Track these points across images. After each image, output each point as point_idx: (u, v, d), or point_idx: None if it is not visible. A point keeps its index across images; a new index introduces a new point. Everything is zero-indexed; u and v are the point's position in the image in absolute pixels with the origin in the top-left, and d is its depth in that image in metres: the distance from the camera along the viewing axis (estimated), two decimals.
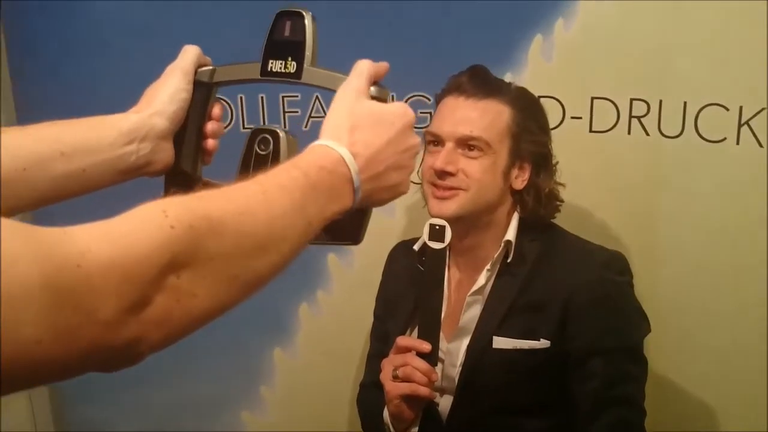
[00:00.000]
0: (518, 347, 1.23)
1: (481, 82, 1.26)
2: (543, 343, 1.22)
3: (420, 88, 1.61)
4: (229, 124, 1.65)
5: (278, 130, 0.77)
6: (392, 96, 0.75)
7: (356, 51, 1.59)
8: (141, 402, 1.84)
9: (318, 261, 1.77)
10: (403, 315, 1.34)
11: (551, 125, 1.58)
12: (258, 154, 0.77)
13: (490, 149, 1.23)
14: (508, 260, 1.26)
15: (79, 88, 1.64)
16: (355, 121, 0.67)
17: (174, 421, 1.85)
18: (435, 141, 1.27)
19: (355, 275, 1.77)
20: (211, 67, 0.82)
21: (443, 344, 1.29)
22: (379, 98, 0.72)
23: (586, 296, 1.22)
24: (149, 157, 0.77)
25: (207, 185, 0.83)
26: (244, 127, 1.67)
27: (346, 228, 0.73)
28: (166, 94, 0.78)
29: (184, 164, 0.83)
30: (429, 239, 1.18)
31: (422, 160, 1.29)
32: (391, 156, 0.68)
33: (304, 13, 0.76)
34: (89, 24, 1.62)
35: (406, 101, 1.63)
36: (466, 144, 1.24)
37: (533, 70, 1.60)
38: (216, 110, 0.83)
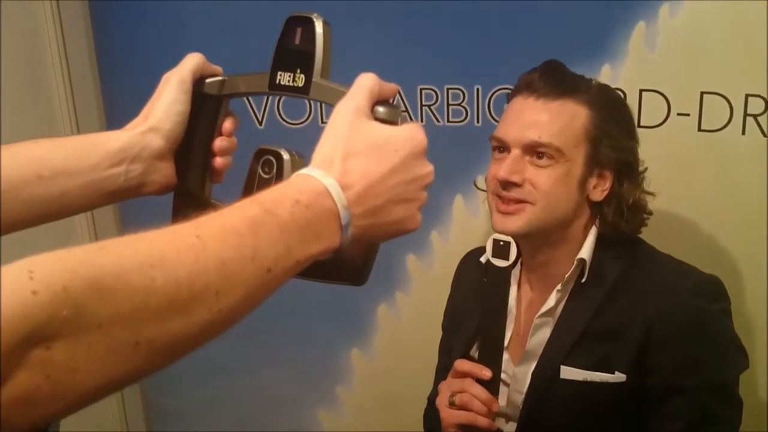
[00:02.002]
0: (589, 379, 1.09)
1: (554, 80, 1.13)
2: (618, 377, 1.08)
3: (506, 80, 1.48)
4: (307, 119, 1.60)
5: (282, 152, 0.69)
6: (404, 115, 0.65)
7: (436, 43, 1.49)
8: (220, 396, 1.84)
9: (397, 261, 1.69)
10: (467, 332, 1.23)
11: (654, 122, 1.43)
12: (261, 178, 0.70)
13: (562, 157, 1.10)
14: (583, 280, 1.13)
15: None
16: (350, 146, 0.57)
17: (251, 416, 1.85)
18: (500, 147, 1.15)
19: (435, 277, 1.67)
20: (220, 78, 0.75)
21: (510, 368, 1.18)
22: (386, 120, 0.62)
23: (671, 325, 1.07)
24: (141, 178, 0.71)
25: (214, 208, 0.77)
26: (322, 122, 1.61)
27: (345, 266, 0.65)
28: (161, 108, 0.72)
29: (190, 184, 0.77)
30: (492, 256, 1.07)
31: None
32: (394, 187, 0.58)
33: (314, 20, 0.68)
34: (178, 24, 1.61)
35: (491, 95, 1.51)
36: (534, 151, 1.10)
37: (635, 61, 1.43)
38: (227, 125, 0.76)
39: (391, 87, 0.64)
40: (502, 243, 1.06)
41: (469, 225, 1.62)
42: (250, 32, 1.56)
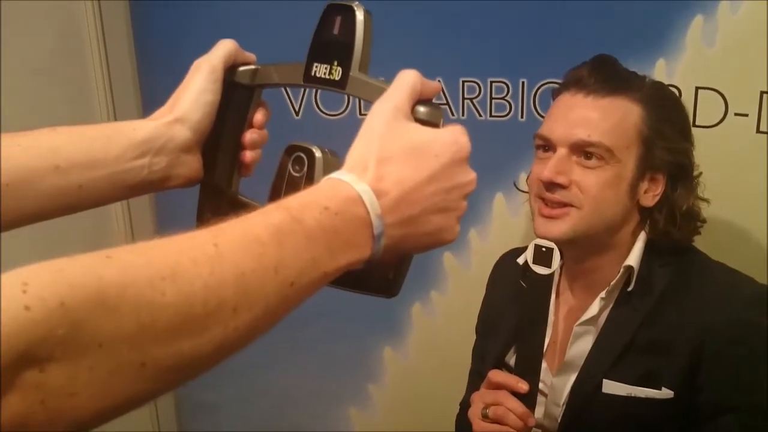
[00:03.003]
0: (633, 395, 1.03)
1: (605, 76, 1.06)
2: (664, 393, 1.02)
3: (553, 74, 1.42)
4: (344, 110, 1.56)
5: (314, 149, 0.64)
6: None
7: (480, 33, 1.43)
8: (251, 390, 1.82)
9: (433, 259, 1.64)
10: (503, 337, 1.18)
11: (710, 122, 1.35)
12: (291, 176, 0.65)
13: (612, 158, 1.03)
14: (629, 289, 1.06)
15: None
16: (386, 150, 0.53)
17: (284, 411, 1.82)
18: (545, 146, 1.09)
19: (472, 276, 1.62)
20: (252, 67, 0.71)
21: (548, 377, 1.12)
22: (427, 121, 0.57)
23: (724, 339, 1.00)
24: (166, 171, 0.67)
25: (240, 205, 0.73)
26: (361, 114, 1.56)
27: (376, 276, 0.60)
28: (189, 98, 0.68)
29: (217, 178, 0.73)
30: (534, 262, 1.01)
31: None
32: (432, 196, 0.54)
33: (355, 8, 0.63)
34: (215, 21, 1.57)
35: (537, 90, 1.45)
36: (582, 151, 1.04)
37: (691, 57, 1.36)
38: (258, 116, 0.72)
39: (433, 85, 0.59)
40: (544, 249, 1.00)
41: (509, 224, 1.57)
42: (286, 25, 1.52)
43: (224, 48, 0.69)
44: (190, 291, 0.41)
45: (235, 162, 0.73)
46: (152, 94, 1.66)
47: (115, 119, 1.69)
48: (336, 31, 0.64)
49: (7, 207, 0.59)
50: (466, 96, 1.50)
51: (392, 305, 1.69)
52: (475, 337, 1.40)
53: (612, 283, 1.06)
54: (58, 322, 0.35)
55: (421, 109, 0.58)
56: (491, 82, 1.48)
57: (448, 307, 1.67)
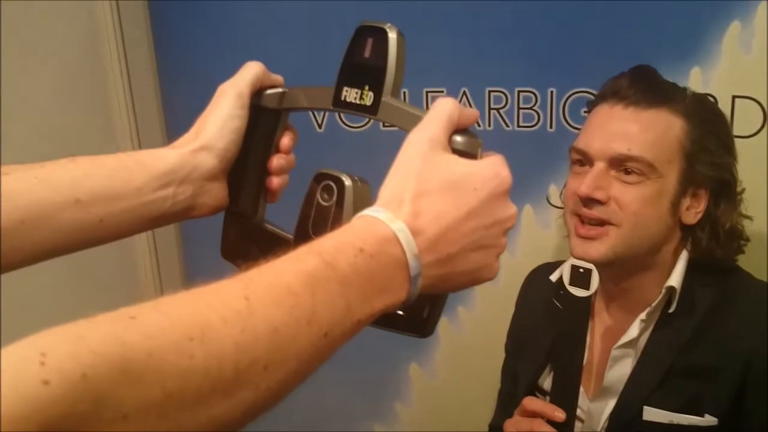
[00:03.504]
0: (676, 422, 0.98)
1: (646, 87, 1.01)
2: (708, 420, 0.97)
3: (583, 83, 1.38)
4: (367, 122, 1.52)
5: (344, 177, 0.61)
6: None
7: (506, 42, 1.39)
8: (277, 405, 1.78)
9: None
10: (536, 358, 1.14)
11: (748, 132, 1.30)
12: (319, 205, 0.62)
13: (653, 173, 0.98)
14: (670, 310, 1.01)
15: None
16: (423, 184, 0.49)
17: (307, 425, 1.79)
18: (581, 160, 1.04)
19: (501, 292, 1.57)
20: (280, 90, 0.68)
21: (584, 402, 1.07)
22: (465, 152, 0.53)
23: None
24: (190, 201, 0.64)
25: (265, 233, 0.69)
26: (383, 126, 1.52)
27: (409, 314, 0.56)
28: (215, 124, 0.64)
29: (242, 205, 0.69)
30: (570, 284, 0.97)
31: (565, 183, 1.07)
32: (472, 233, 0.50)
33: (387, 30, 0.59)
34: (235, 24, 1.54)
35: (566, 99, 1.41)
36: (621, 165, 0.99)
37: (728, 64, 1.30)
38: (285, 141, 0.69)
39: (471, 113, 0.55)
40: (581, 270, 0.96)
41: (538, 237, 1.52)
42: (309, 32, 1.49)
43: (251, 72, 0.66)
44: (221, 352, 0.37)
45: (261, 188, 0.69)
46: (171, 96, 1.64)
47: (136, 122, 1.67)
48: (367, 54, 0.60)
49: (23, 243, 0.56)
50: (492, 106, 1.46)
51: None
52: (504, 356, 1.36)
53: (653, 305, 1.01)
54: (80, 396, 0.32)
55: (459, 139, 0.54)
56: (519, 92, 1.43)
57: (475, 323, 1.63)
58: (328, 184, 0.62)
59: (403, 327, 0.57)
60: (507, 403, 1.21)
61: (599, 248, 0.98)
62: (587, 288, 0.95)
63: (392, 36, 0.59)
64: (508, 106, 1.45)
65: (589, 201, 0.99)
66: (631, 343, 1.03)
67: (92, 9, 1.63)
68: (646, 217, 0.98)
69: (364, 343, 1.70)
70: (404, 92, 1.49)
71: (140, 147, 1.71)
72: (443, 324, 1.64)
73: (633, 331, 1.03)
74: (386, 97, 0.59)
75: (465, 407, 1.65)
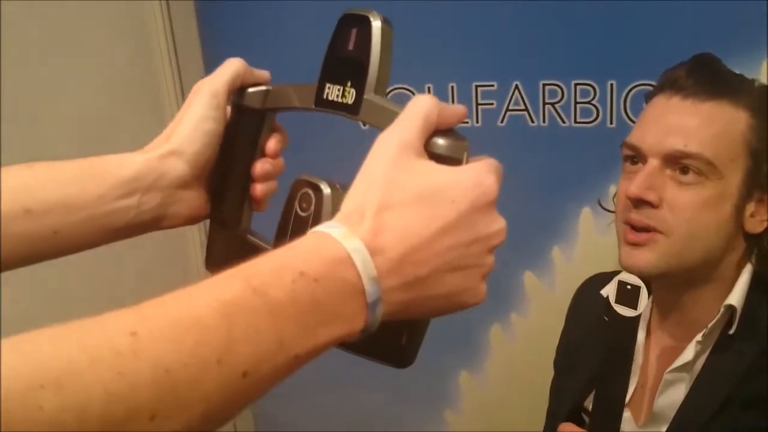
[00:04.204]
0: None
1: (706, 77, 0.89)
2: None
3: (645, 75, 1.26)
4: None
5: (322, 184, 0.54)
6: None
7: (562, 31, 1.29)
8: (324, 408, 1.75)
9: (514, 278, 1.50)
10: (581, 376, 1.03)
11: None
12: (297, 216, 0.55)
13: (714, 173, 0.86)
14: (731, 331, 0.90)
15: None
16: (389, 195, 0.42)
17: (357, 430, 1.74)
18: (634, 157, 0.93)
19: (556, 299, 1.47)
20: (263, 88, 0.61)
21: (631, 428, 0.97)
22: (446, 157, 0.46)
23: None
24: (158, 211, 0.59)
25: (248, 245, 0.63)
26: None
27: (385, 341, 0.49)
28: (187, 127, 0.59)
29: (225, 214, 0.63)
30: (616, 301, 0.87)
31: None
32: (446, 252, 0.43)
33: (371, 19, 0.52)
34: (282, 21, 1.50)
35: (627, 92, 1.29)
36: (677, 163, 0.88)
37: None
38: (271, 144, 0.62)
39: (454, 112, 0.47)
40: (629, 287, 0.86)
41: (597, 243, 1.41)
42: None
43: (229, 68, 0.60)
44: (82, 402, 0.31)
45: (245, 196, 0.63)
46: None
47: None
48: (351, 46, 0.53)
49: None
50: (547, 100, 1.36)
51: (470, 327, 1.57)
52: None
53: (710, 325, 0.90)
54: None
55: (440, 141, 0.46)
56: (575, 85, 1.33)
57: (529, 331, 1.54)
58: (306, 192, 0.55)
59: (379, 355, 0.50)
60: (551, 423, 1.11)
61: (648, 257, 0.87)
62: (634, 307, 0.85)
63: (376, 25, 0.52)
64: (564, 101, 1.35)
65: (639, 203, 0.89)
66: (686, 367, 0.92)
67: (141, 9, 1.62)
68: (703, 224, 0.87)
69: None
70: (452, 86, 1.41)
71: None
72: (495, 331, 1.56)
73: (688, 353, 0.91)
74: (369, 95, 0.52)
75: (516, 417, 1.56)
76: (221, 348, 0.35)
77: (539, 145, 1.38)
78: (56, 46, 1.46)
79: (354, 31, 0.53)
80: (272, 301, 0.37)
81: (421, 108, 0.45)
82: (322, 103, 0.55)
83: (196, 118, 0.58)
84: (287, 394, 1.77)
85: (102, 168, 0.57)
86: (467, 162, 0.47)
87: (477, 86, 1.39)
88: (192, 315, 0.35)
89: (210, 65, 1.61)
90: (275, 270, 0.39)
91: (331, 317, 0.39)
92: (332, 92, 0.54)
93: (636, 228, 0.89)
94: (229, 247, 0.64)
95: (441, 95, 1.41)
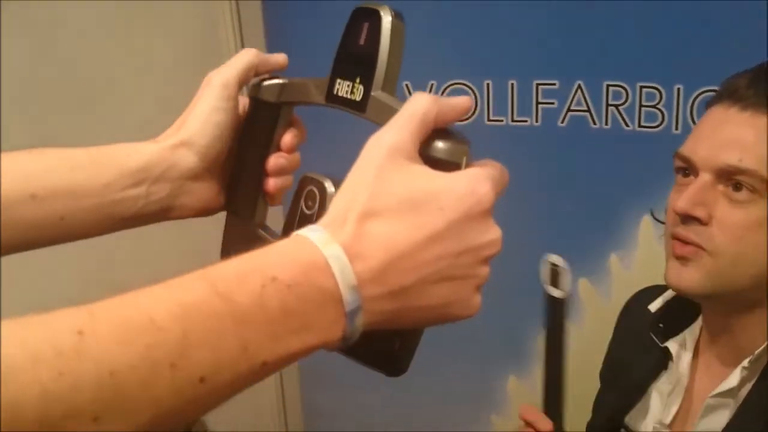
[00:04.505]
0: None
1: None
2: None
3: (715, 80, 1.19)
4: (472, 114, 1.41)
5: (327, 182, 0.53)
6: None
7: (629, 32, 1.23)
8: (370, 407, 1.74)
9: None
10: (621, 393, 0.99)
11: None
12: (303, 214, 0.54)
13: None
14: None
15: None
16: (374, 200, 0.41)
17: (402, 426, 1.73)
18: (686, 169, 0.88)
19: (611, 308, 1.40)
20: (279, 81, 0.60)
21: None
22: (443, 161, 0.44)
23: None
24: (167, 201, 0.58)
25: (259, 241, 0.62)
26: (489, 119, 1.41)
27: (377, 345, 0.47)
28: (198, 119, 0.58)
29: (239, 207, 0.63)
30: (550, 282, 0.87)
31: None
32: (435, 261, 0.41)
33: (381, 13, 0.50)
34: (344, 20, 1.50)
35: (695, 98, 1.22)
36: (730, 179, 0.82)
37: None
38: (287, 138, 0.61)
39: (456, 106, 0.45)
40: (553, 267, 0.85)
41: (657, 252, 1.33)
42: (428, 29, 1.41)
43: (242, 59, 0.59)
44: (17, 400, 0.31)
45: (259, 189, 0.62)
46: None
47: None
48: (362, 41, 0.52)
49: None
50: (610, 102, 1.30)
51: (520, 331, 1.54)
52: None
53: (757, 351, 0.84)
54: None
55: (437, 144, 0.44)
56: (641, 88, 1.27)
57: (582, 340, 1.48)
58: (311, 190, 0.54)
59: (371, 361, 0.49)
60: None
61: (693, 275, 0.82)
62: (558, 286, 0.83)
63: (386, 19, 0.50)
64: (628, 103, 1.29)
65: (687, 219, 0.83)
66: (730, 393, 0.86)
67: (210, 9, 1.65)
68: (754, 245, 0.81)
69: (461, 352, 1.62)
70: (511, 83, 1.37)
71: None
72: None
73: (733, 379, 0.86)
74: (376, 92, 0.50)
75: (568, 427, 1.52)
76: (175, 352, 0.34)
77: (600, 148, 1.33)
78: (128, 46, 1.50)
79: (365, 26, 0.51)
80: (237, 306, 0.36)
81: (416, 108, 0.43)
82: (332, 98, 0.53)
83: (207, 110, 0.58)
84: (336, 392, 1.78)
85: (111, 156, 0.57)
86: (468, 166, 0.44)
87: (538, 84, 1.35)
88: (146, 316, 0.35)
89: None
90: (244, 274, 0.37)
91: (305, 325, 0.38)
92: (342, 88, 0.53)
93: (684, 242, 0.84)
94: (242, 238, 0.64)
95: (500, 92, 1.38)
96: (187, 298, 0.36)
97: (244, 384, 0.38)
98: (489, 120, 1.40)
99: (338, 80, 0.53)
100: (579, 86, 1.32)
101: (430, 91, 1.41)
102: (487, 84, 1.39)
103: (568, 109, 1.34)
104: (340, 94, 0.53)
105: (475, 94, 1.39)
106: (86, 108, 1.39)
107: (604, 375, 1.14)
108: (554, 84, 1.34)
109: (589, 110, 1.32)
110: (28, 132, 1.22)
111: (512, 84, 1.38)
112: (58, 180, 0.55)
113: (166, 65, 1.55)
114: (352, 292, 0.39)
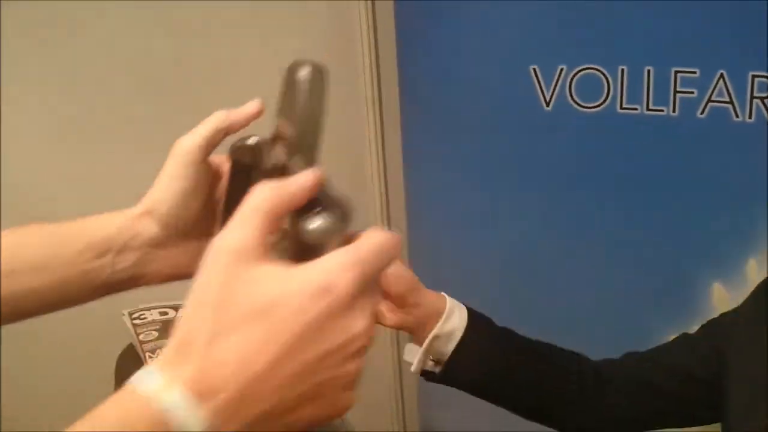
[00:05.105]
0: None
1: None
2: None
3: None
4: (603, 101, 1.35)
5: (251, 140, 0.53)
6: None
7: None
8: (485, 413, 1.73)
9: (700, 288, 1.36)
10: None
11: None
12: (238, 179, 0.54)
13: None
14: None
15: (469, 92, 1.52)
16: (222, 317, 0.37)
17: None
18: None
19: None
20: (251, 143, 0.55)
21: None
22: (306, 245, 0.42)
23: None
24: (135, 269, 0.58)
25: None
26: (621, 107, 1.34)
27: None
28: (159, 186, 0.58)
29: None
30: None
31: None
32: (295, 375, 0.37)
33: (298, 69, 0.48)
34: (478, 25, 1.47)
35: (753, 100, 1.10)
36: None
37: None
38: None
39: (304, 185, 0.42)
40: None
41: None
42: (558, 32, 1.36)
43: (208, 124, 0.57)
44: None
45: None
46: (411, 92, 1.64)
47: (380, 113, 1.72)
48: (289, 99, 0.48)
49: None
50: (755, 94, 1.19)
51: (645, 334, 1.45)
52: None
53: None
54: None
55: (303, 226, 0.41)
56: None
57: None
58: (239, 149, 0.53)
59: None
60: None
61: None
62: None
63: (304, 77, 0.47)
64: None
65: None
66: None
67: (345, 9, 1.68)
68: None
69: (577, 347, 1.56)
70: (648, 70, 1.30)
71: (383, 143, 1.77)
72: None
73: None
74: (293, 159, 0.47)
75: None
76: None
77: (742, 142, 1.22)
78: (262, 47, 1.56)
79: (289, 82, 0.48)
80: None
81: (258, 201, 0.40)
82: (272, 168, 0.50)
83: (167, 178, 0.57)
84: (452, 399, 1.79)
85: (80, 230, 0.58)
86: (341, 243, 0.40)
87: (677, 72, 1.26)
88: None
89: (405, 65, 1.65)
90: None
91: None
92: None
93: None
94: None
95: (635, 79, 1.31)
96: None
97: None
98: (621, 108, 1.33)
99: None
100: (721, 75, 1.22)
101: (559, 77, 1.36)
102: (622, 70, 1.32)
103: (709, 100, 1.24)
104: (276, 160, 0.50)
105: (607, 80, 1.33)
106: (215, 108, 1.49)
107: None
108: (695, 72, 1.24)
109: (731, 101, 1.21)
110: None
111: (649, 70, 1.29)
112: (30, 254, 0.56)
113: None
114: None
